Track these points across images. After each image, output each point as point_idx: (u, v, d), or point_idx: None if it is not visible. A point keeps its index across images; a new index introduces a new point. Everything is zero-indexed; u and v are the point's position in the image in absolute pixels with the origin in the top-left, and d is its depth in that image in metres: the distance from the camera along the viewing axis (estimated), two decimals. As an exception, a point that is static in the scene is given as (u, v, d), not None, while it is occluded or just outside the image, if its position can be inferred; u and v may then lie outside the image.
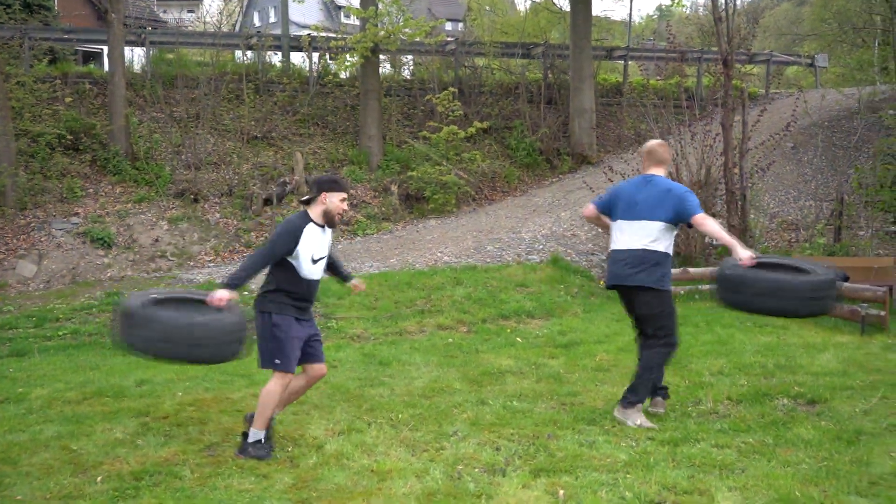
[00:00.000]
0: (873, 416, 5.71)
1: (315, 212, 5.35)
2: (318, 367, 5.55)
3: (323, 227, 5.37)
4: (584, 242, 13.95)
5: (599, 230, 14.06)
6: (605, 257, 13.36)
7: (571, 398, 6.47)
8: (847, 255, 13.05)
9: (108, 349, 9.21)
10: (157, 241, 14.36)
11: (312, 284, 5.39)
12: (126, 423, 6.10)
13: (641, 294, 5.74)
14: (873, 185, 14.90)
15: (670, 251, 5.81)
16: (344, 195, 5.38)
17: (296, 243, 5.23)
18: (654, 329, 5.78)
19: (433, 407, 6.27)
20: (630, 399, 5.74)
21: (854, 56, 20.28)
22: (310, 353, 5.47)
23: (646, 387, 5.77)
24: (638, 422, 5.66)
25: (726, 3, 13.26)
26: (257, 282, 5.58)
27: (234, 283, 5.15)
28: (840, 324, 9.52)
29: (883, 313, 9.07)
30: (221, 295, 5.07)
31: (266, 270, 5.32)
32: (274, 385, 5.30)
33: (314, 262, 5.34)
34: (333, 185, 5.37)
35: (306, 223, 5.30)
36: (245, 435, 5.39)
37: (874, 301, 9.32)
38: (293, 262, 5.27)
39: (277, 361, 5.25)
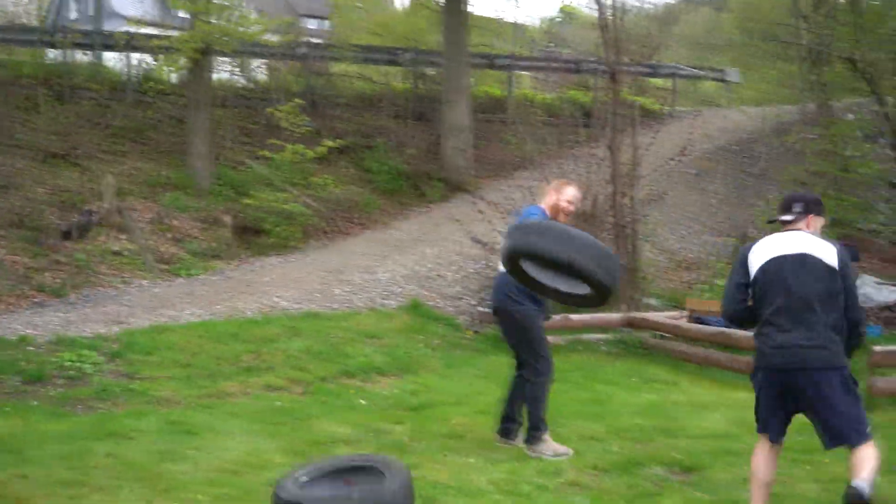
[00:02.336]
0: (752, 485, 5.96)
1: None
2: None
3: None
4: (450, 284, 14.13)
5: (470, 271, 14.33)
6: (475, 302, 13.57)
7: (412, 471, 6.50)
8: (752, 299, 13.62)
9: None
10: (-79, 283, 13.77)
11: None
12: None
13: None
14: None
15: None
16: None
17: None
18: None
19: (242, 486, 6.21)
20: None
21: (763, 70, 21.31)
22: None
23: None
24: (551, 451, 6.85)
25: (614, 8, 13.80)
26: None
27: None
28: (736, 378, 9.92)
29: (782, 365, 9.50)
30: None
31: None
32: None
33: None
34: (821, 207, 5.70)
35: None
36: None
37: (773, 352, 9.76)
38: None
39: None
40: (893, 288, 13.68)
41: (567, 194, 7.30)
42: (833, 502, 5.59)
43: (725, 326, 11.15)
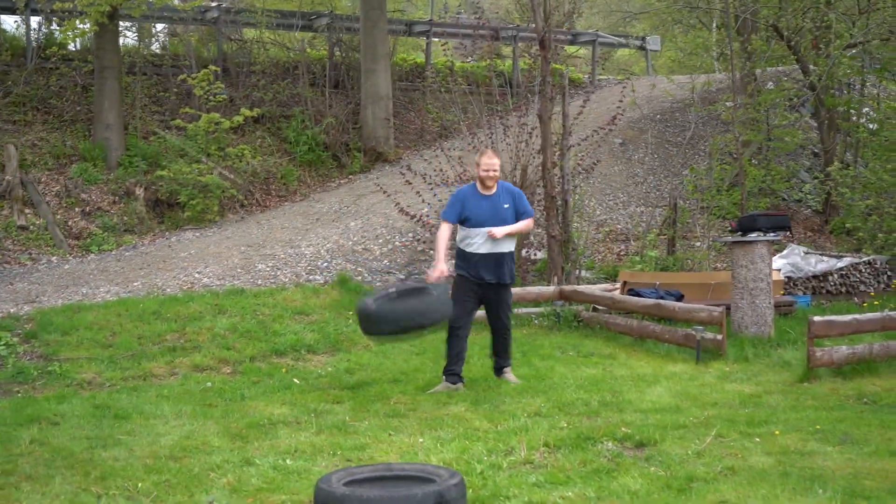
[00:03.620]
0: (706, 459, 6.04)
1: None
2: None
3: None
4: (377, 258, 14.05)
5: (397, 244, 14.30)
6: (403, 276, 13.53)
7: (359, 452, 6.47)
8: (682, 270, 13.84)
9: None
10: None
11: None
12: None
13: None
14: (709, 188, 15.89)
15: (461, 247, 8.52)
16: None
17: None
18: None
19: (184, 471, 6.09)
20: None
21: (688, 39, 21.57)
22: None
23: None
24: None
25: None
26: None
27: None
28: (673, 350, 10.06)
29: (720, 337, 9.65)
30: None
31: None
32: None
33: None
34: None
35: None
36: None
37: (710, 323, 9.91)
38: None
39: None
40: (821, 258, 13.99)
41: (482, 164, 8.49)
42: (788, 474, 5.69)
43: (660, 298, 11.34)
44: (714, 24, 23.69)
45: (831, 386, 8.30)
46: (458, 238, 8.59)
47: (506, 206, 8.47)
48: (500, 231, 8.28)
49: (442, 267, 8.24)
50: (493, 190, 8.51)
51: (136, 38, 22.88)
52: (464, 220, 8.43)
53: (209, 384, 8.95)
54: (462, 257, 8.52)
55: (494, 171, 8.49)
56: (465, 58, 19.99)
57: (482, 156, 8.60)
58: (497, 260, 8.43)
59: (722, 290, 11.90)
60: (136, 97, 19.05)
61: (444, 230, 8.47)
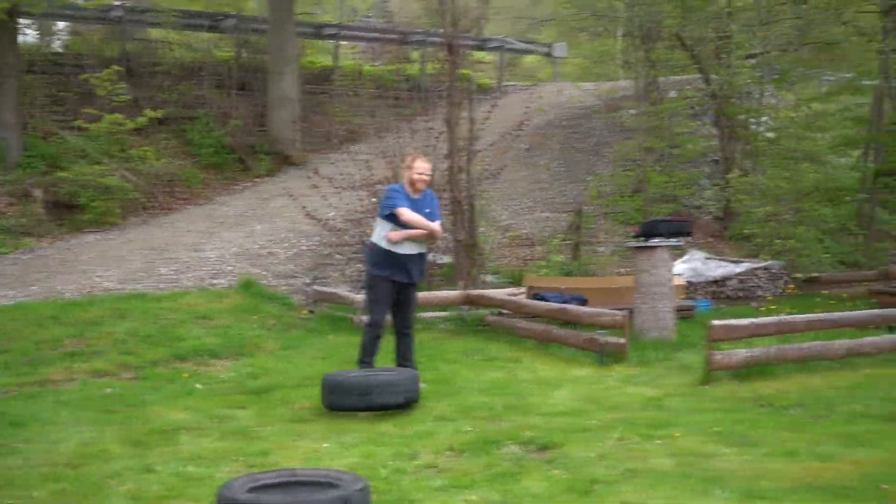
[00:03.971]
0: (609, 461, 6.12)
1: None
2: None
3: None
4: (283, 262, 13.94)
5: (303, 248, 14.22)
6: (309, 280, 13.45)
7: (262, 458, 6.41)
8: (586, 275, 14.01)
9: None
10: None
11: None
12: None
13: None
14: (612, 193, 16.12)
15: (384, 247, 8.48)
16: None
17: None
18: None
19: (82, 479, 5.97)
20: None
21: (594, 46, 21.87)
22: None
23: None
24: None
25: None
26: None
27: None
28: (577, 355, 10.15)
29: (622, 341, 9.78)
30: None
31: None
32: None
33: None
34: None
35: None
36: None
37: (613, 327, 10.03)
38: None
39: None
40: (721, 263, 14.29)
41: (417, 168, 8.58)
42: (688, 475, 5.79)
43: (564, 302, 11.45)
44: (619, 33, 24.04)
45: (730, 388, 8.47)
46: (376, 237, 8.59)
47: (427, 210, 8.58)
48: (397, 235, 8.41)
49: (431, 225, 8.42)
50: (421, 194, 8.63)
51: (36, 35, 22.39)
52: (391, 217, 8.45)
53: (109, 390, 8.77)
54: (383, 256, 8.51)
55: (428, 175, 8.71)
56: (373, 61, 20.01)
57: (416, 160, 8.71)
58: (419, 259, 8.67)
59: (625, 294, 12.07)
60: (36, 96, 18.61)
61: (406, 210, 8.40)
